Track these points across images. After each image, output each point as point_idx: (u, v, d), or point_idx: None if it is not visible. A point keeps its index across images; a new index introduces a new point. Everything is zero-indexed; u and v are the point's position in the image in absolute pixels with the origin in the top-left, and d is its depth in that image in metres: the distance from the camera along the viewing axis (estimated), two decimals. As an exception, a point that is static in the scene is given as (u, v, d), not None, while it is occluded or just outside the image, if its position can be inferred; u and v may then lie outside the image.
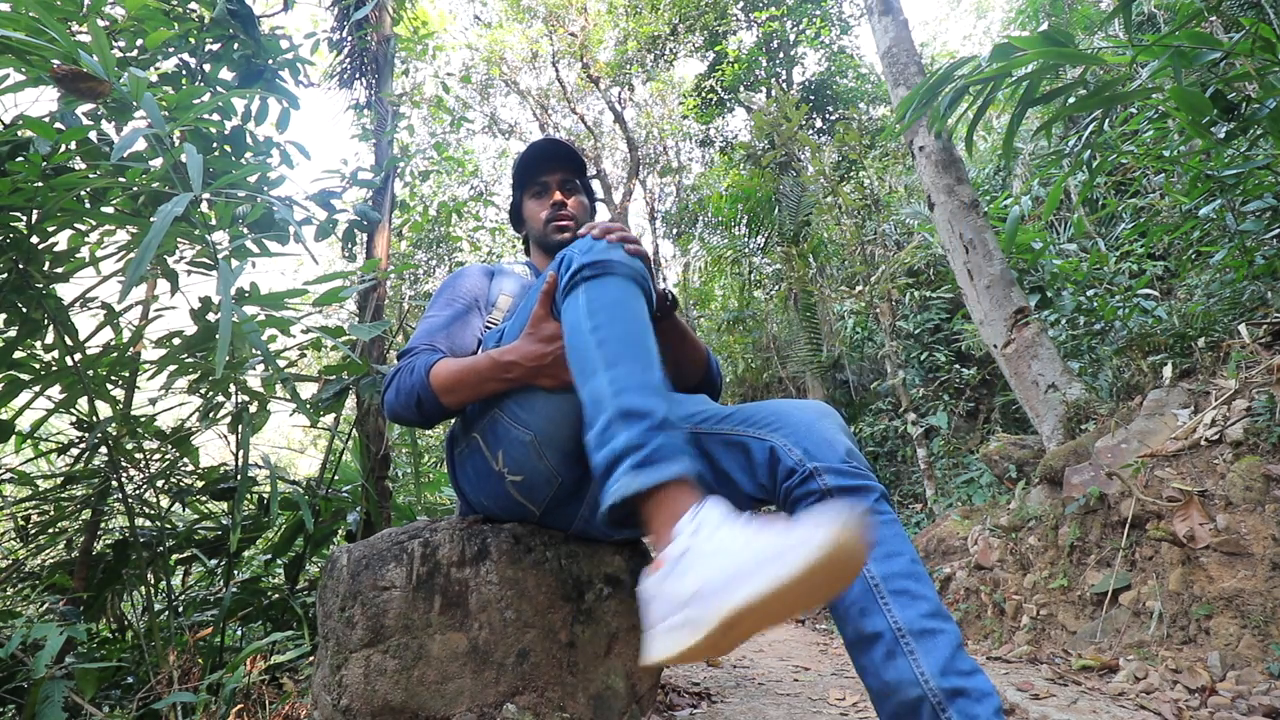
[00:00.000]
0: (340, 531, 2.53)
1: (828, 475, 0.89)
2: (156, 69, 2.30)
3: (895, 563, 0.83)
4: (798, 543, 0.59)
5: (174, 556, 2.19)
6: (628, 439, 0.79)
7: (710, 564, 0.66)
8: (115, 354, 2.00)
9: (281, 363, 2.36)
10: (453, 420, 1.25)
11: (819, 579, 0.58)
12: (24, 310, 1.75)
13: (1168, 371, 2.52)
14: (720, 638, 0.62)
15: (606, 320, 0.89)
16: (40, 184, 1.55)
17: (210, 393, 2.09)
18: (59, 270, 1.82)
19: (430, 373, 1.12)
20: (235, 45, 2.39)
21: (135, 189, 1.79)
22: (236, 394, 2.09)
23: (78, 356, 1.84)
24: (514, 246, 9.24)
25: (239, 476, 2.02)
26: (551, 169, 1.41)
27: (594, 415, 0.84)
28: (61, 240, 1.81)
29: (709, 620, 0.62)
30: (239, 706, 1.37)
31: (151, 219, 1.49)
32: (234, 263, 1.66)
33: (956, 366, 5.22)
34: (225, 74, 2.43)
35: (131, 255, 1.89)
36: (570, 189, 1.42)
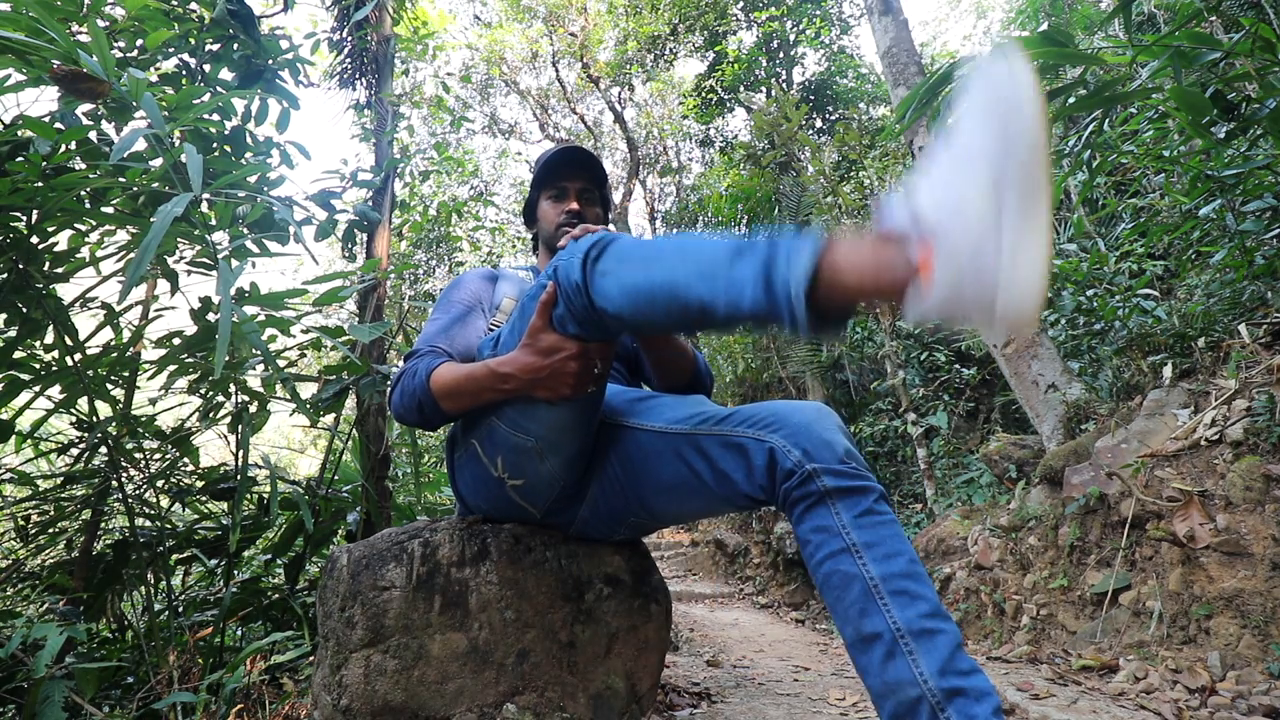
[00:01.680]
0: (340, 531, 2.53)
1: (826, 476, 0.88)
2: (156, 69, 2.30)
3: (894, 563, 0.83)
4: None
5: (174, 556, 2.19)
6: (761, 250, 0.78)
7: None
8: (115, 354, 2.00)
9: (281, 363, 2.36)
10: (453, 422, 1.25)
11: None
12: (24, 310, 1.75)
13: (1168, 371, 2.52)
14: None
15: (653, 244, 0.89)
16: (40, 184, 1.55)
17: (210, 393, 2.09)
18: (59, 270, 1.82)
19: (431, 378, 1.12)
20: (235, 45, 2.39)
21: (135, 189, 1.79)
22: (236, 394, 2.09)
23: (78, 356, 1.84)
24: (514, 247, 9.24)
25: (239, 476, 2.02)
26: (573, 175, 1.42)
27: (694, 282, 0.81)
28: (61, 240, 1.81)
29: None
30: (239, 706, 1.37)
31: (151, 219, 1.49)
32: (234, 263, 1.66)
33: (956, 366, 5.22)
34: (225, 74, 2.43)
35: (131, 255, 1.89)
36: (589, 199, 1.44)
